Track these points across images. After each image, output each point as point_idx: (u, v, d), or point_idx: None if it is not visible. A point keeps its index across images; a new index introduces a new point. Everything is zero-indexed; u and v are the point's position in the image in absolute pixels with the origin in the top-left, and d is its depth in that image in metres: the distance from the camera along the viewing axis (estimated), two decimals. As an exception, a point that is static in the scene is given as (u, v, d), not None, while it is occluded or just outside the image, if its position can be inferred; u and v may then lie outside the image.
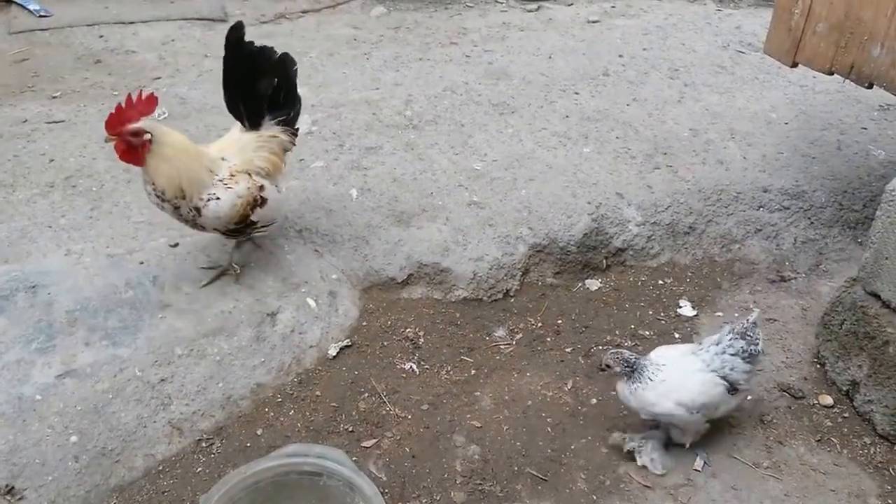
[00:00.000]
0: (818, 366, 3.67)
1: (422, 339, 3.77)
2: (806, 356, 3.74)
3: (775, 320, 3.99)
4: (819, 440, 3.31)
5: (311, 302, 3.76)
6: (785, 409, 3.47)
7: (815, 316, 3.99)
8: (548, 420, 3.40)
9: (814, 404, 3.48)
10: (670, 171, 4.57)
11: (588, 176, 4.50)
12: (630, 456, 3.20)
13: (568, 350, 3.77)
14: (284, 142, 3.62)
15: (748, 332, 3.12)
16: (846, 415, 3.42)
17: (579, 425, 3.37)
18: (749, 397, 3.32)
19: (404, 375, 3.58)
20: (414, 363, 3.64)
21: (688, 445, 3.19)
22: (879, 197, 3.22)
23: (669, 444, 3.20)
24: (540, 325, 3.92)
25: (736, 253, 4.40)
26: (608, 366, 3.11)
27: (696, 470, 3.17)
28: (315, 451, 2.81)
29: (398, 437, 3.29)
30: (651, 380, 3.02)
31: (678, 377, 3.05)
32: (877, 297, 3.25)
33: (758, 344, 3.12)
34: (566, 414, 3.42)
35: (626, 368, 3.06)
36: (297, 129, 3.71)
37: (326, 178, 4.41)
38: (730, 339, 3.10)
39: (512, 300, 4.04)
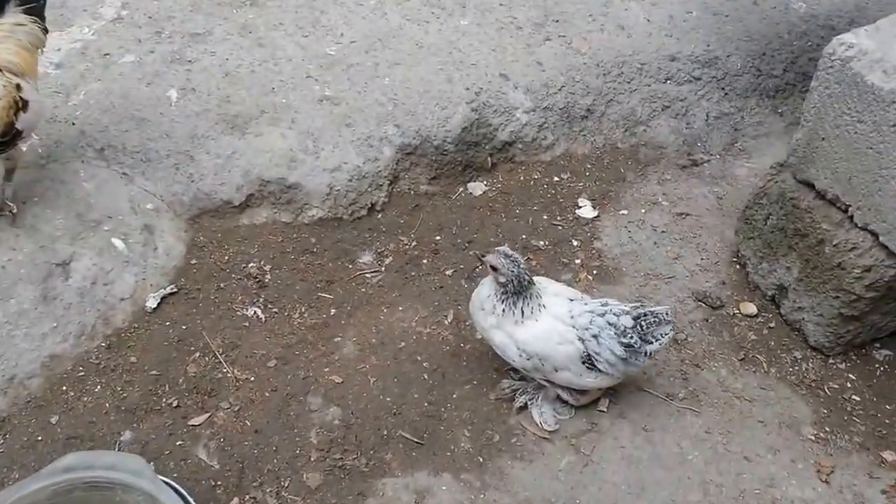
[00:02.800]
0: (738, 267, 3.15)
1: (268, 276, 3.04)
2: (724, 255, 3.22)
3: (687, 214, 3.43)
4: (742, 359, 2.83)
5: (119, 242, 2.94)
6: (701, 322, 2.96)
7: (733, 205, 3.46)
8: (424, 365, 2.78)
9: (734, 314, 2.99)
10: (563, 43, 3.81)
11: (466, 55, 3.69)
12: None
13: (448, 273, 3.12)
14: (34, 33, 2.69)
15: (645, 323, 2.40)
16: (772, 325, 2.94)
17: (462, 368, 2.78)
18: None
19: (246, 324, 2.88)
20: (258, 307, 2.92)
21: (573, 404, 2.62)
22: (801, 59, 2.61)
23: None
24: (414, 244, 3.23)
25: (641, 136, 3.77)
26: (493, 268, 2.38)
27: (600, 410, 2.65)
28: (103, 462, 2.11)
29: (237, 408, 2.62)
30: (532, 314, 2.41)
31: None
32: (810, 186, 2.69)
33: (651, 343, 2.42)
34: (446, 355, 2.82)
35: (514, 286, 2.37)
36: (46, 24, 2.80)
37: (138, 77, 3.45)
38: (620, 310, 2.42)
39: (379, 216, 3.32)
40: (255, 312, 2.91)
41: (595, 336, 2.39)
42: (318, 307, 2.96)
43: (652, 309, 2.43)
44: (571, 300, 2.47)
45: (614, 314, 2.41)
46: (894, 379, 2.79)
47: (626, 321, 2.40)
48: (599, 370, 2.43)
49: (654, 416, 2.63)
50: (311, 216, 3.24)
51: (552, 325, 2.41)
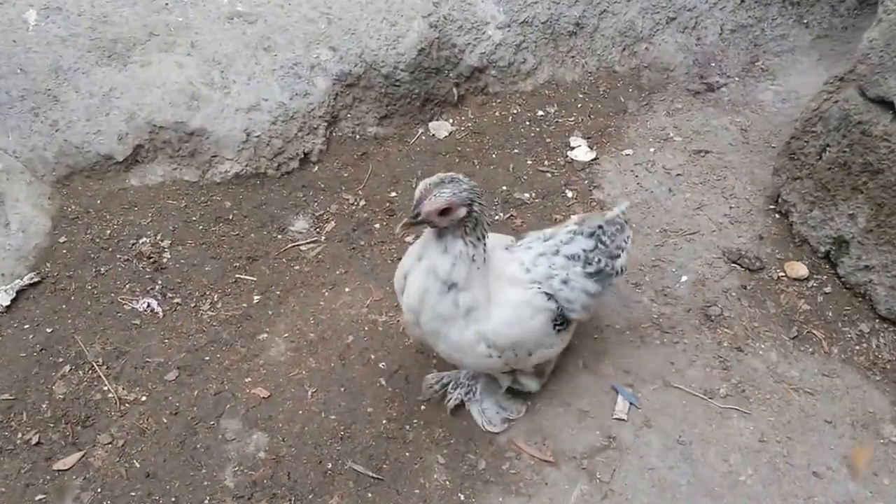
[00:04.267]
0: (778, 216, 2.48)
1: (167, 254, 2.29)
2: (758, 202, 2.54)
3: (706, 152, 2.73)
4: (795, 337, 2.17)
5: (-46, 217, 2.16)
6: (738, 290, 2.28)
7: (761, 138, 2.78)
8: (381, 366, 2.07)
9: (779, 278, 2.32)
10: (543, -62, 3.03)
11: (419, -45, 2.90)
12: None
13: (408, 239, 2.40)
14: None
15: (606, 236, 1.83)
16: (828, 289, 2.28)
17: (431, 367, 2.07)
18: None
19: (137, 322, 2.14)
20: (154, 298, 2.18)
21: (535, 390, 1.97)
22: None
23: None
24: (362, 203, 2.49)
25: (643, 56, 3.04)
26: (446, 211, 1.51)
27: (618, 419, 1.97)
28: None
29: (121, 443, 1.90)
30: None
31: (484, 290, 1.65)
32: (887, 105, 2.00)
33: (618, 257, 1.84)
34: (409, 350, 2.11)
35: (479, 208, 1.56)
36: None
37: (-14, -4, 2.60)
38: (569, 236, 1.79)
39: (315, 169, 2.57)
40: (148, 305, 2.16)
41: (564, 282, 1.74)
42: (236, 294, 2.23)
43: (605, 217, 1.87)
44: (507, 247, 1.79)
45: (566, 243, 1.79)
46: None
47: (585, 244, 1.80)
48: (569, 322, 1.79)
49: (691, 423, 1.97)
50: (223, 172, 2.47)
51: (517, 296, 1.69)
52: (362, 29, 2.65)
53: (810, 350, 2.14)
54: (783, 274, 2.33)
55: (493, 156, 2.68)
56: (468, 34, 2.76)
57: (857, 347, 2.16)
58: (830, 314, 2.23)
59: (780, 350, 2.14)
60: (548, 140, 2.74)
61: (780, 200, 2.46)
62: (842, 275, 2.27)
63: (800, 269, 2.32)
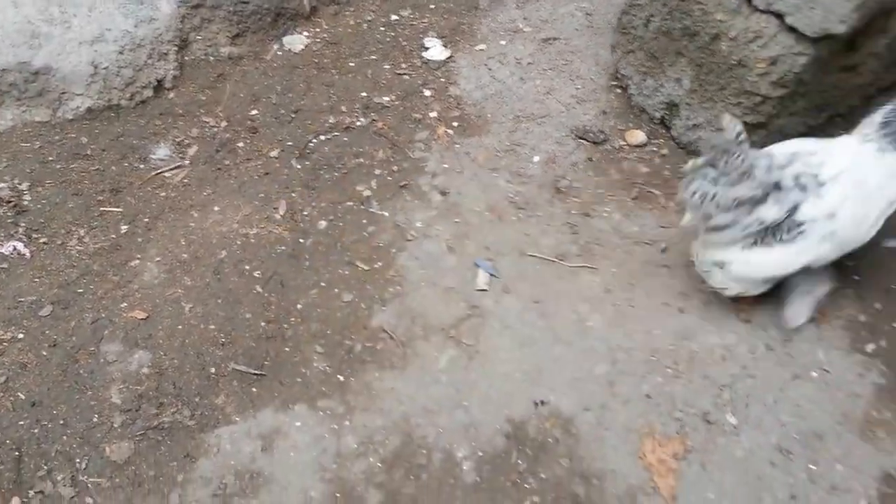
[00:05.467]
0: (619, 91, 2.63)
1: (27, 197, 2.28)
2: (601, 81, 2.68)
3: (554, 39, 2.84)
4: (636, 197, 2.35)
5: None
6: (585, 163, 2.45)
7: (604, 20, 2.90)
8: (256, 275, 2.16)
9: (621, 147, 2.49)
10: None
11: None
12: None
13: (273, 155, 2.46)
14: None
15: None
16: (665, 152, 2.46)
17: (305, 270, 2.18)
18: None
19: (5, 266, 2.15)
20: (19, 241, 2.20)
21: None
22: None
23: None
24: (224, 124, 2.52)
25: (488, -48, 3.09)
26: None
27: (480, 290, 2.13)
28: None
29: (4, 379, 1.96)
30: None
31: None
32: (693, -33, 2.14)
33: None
34: (283, 257, 2.20)
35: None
36: None
37: None
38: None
39: (171, 95, 2.57)
40: (14, 249, 2.17)
41: None
42: (102, 226, 2.25)
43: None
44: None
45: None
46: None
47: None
48: None
49: (545, 284, 2.15)
50: (75, 109, 2.45)
51: None
52: (198, -52, 2.62)
53: (649, 207, 2.34)
54: (624, 143, 2.50)
55: (351, 64, 2.73)
56: (310, -55, 2.76)
57: (692, 200, 2.36)
58: (667, 173, 2.42)
59: (623, 211, 2.33)
60: (403, 43, 2.80)
61: (618, 76, 2.61)
62: (675, 136, 2.46)
63: (639, 136, 2.49)
